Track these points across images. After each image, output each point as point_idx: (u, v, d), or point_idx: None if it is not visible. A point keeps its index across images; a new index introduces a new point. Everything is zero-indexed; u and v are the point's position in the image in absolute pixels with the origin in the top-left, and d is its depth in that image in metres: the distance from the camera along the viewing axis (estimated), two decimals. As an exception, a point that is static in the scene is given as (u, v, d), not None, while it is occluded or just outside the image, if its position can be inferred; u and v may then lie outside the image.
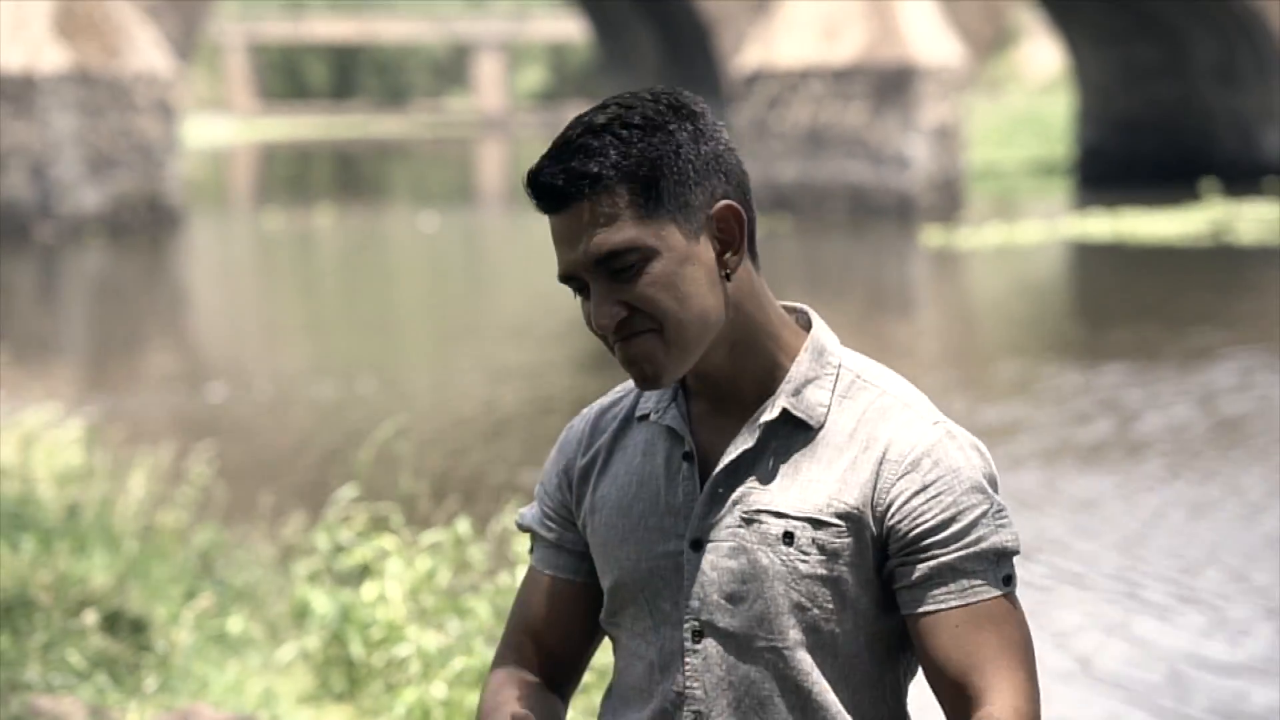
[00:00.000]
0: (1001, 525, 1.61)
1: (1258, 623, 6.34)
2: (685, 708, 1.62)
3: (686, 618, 1.62)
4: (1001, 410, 10.28)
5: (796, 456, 1.61)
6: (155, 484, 6.73)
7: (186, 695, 4.11)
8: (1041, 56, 38.24)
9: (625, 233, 1.55)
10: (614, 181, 1.55)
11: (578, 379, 11.49)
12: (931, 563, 1.58)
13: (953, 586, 1.58)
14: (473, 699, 4.31)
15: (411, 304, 17.01)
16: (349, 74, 53.83)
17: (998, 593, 1.59)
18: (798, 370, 1.63)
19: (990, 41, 25.45)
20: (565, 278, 1.60)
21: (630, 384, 1.72)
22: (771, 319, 1.63)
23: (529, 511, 1.77)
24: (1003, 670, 1.57)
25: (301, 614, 4.96)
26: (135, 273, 19.07)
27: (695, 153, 1.58)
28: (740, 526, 1.60)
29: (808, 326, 1.67)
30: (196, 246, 21.59)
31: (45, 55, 20.20)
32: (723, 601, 1.61)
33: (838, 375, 1.64)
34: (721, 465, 1.62)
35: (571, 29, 42.70)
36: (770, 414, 1.61)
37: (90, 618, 4.23)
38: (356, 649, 4.67)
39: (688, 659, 1.62)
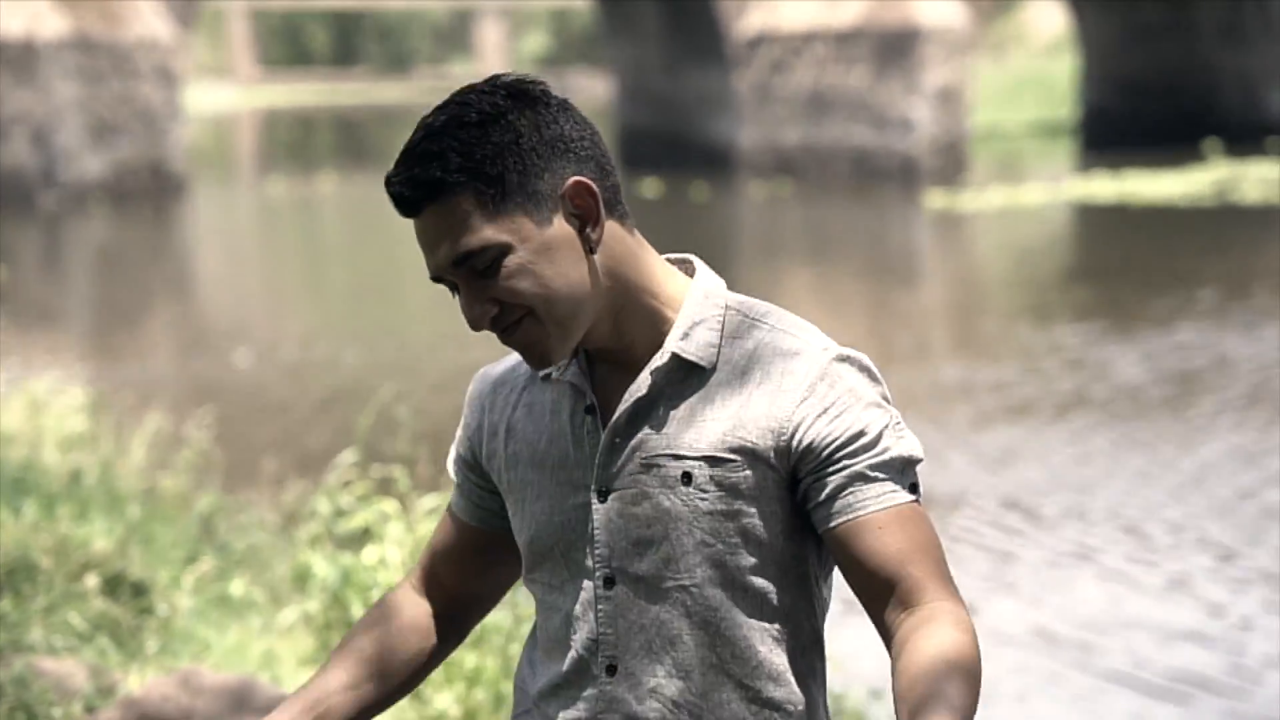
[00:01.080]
0: (902, 436, 1.65)
1: (1199, 584, 6.37)
2: (600, 654, 1.67)
3: (597, 566, 1.66)
4: (982, 370, 10.35)
5: (690, 398, 1.65)
6: (157, 450, 6.77)
7: (188, 658, 4.15)
8: (1045, 17, 38.05)
9: (477, 234, 1.59)
10: (457, 185, 1.58)
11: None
12: (845, 473, 1.62)
13: (869, 492, 1.62)
14: (471, 660, 4.35)
15: (412, 269, 17.02)
16: (351, 41, 53.65)
17: (911, 498, 1.63)
18: (684, 315, 1.66)
19: (994, 3, 25.35)
20: (435, 278, 1.64)
21: None
22: (652, 276, 1.67)
23: (450, 462, 1.83)
24: (930, 567, 1.61)
25: (303, 578, 4.99)
26: (139, 240, 19.09)
27: (537, 139, 1.60)
28: (641, 473, 1.64)
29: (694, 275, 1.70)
30: (200, 214, 21.59)
31: (46, 22, 20.15)
32: (630, 547, 1.65)
33: (724, 316, 1.67)
34: (617, 414, 1.65)
35: (574, -7, 42.50)
36: (659, 359, 1.65)
37: (91, 581, 4.27)
38: (357, 612, 4.71)
39: (600, 607, 1.66)
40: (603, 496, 1.66)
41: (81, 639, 4.06)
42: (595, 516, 1.66)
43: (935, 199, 19.91)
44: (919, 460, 1.66)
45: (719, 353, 1.66)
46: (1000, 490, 7.60)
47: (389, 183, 1.61)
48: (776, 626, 1.66)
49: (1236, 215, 17.85)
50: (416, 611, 1.82)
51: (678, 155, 23.87)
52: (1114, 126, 26.91)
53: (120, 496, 5.63)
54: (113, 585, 4.35)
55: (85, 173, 20.36)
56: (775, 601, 1.66)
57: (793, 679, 1.67)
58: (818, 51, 23.19)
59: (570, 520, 1.67)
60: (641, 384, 1.65)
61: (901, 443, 1.64)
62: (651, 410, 1.65)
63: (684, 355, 1.65)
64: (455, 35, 54.21)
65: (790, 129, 23.29)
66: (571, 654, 1.68)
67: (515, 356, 1.77)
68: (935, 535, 1.65)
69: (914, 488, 1.65)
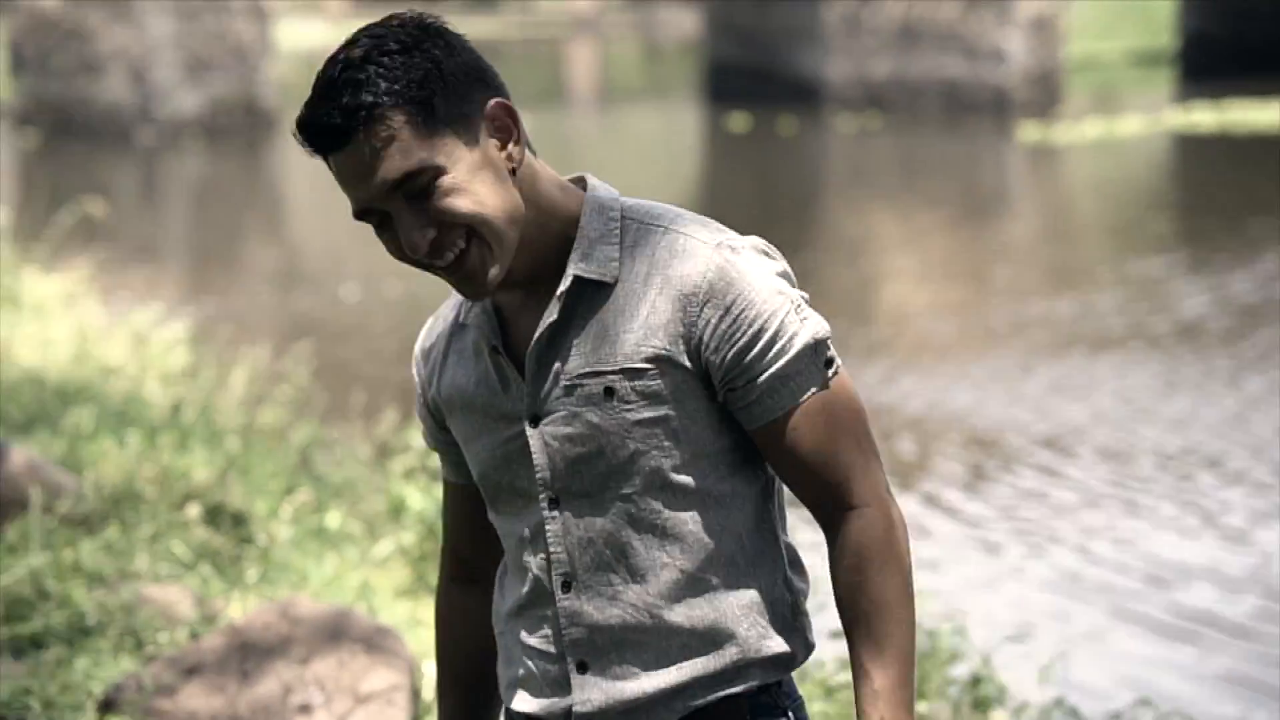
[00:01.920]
0: (805, 318, 1.69)
1: (1236, 524, 6.26)
2: (553, 573, 1.73)
3: (540, 490, 1.72)
4: (1046, 303, 10.25)
5: (601, 315, 1.69)
6: (256, 383, 6.89)
7: (286, 587, 4.25)
8: (1146, -56, 37.02)
9: (412, 156, 1.61)
10: (389, 108, 1.61)
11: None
12: (757, 379, 1.67)
13: (782, 393, 1.67)
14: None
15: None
16: (440, -27, 53.55)
17: (821, 381, 1.68)
18: (583, 234, 1.70)
19: (1092, -70, 24.77)
20: (362, 213, 1.65)
21: (455, 295, 1.81)
22: (554, 198, 1.71)
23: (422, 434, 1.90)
24: (846, 455, 1.69)
25: (398, 510, 5.08)
26: (233, 176, 19.31)
27: (454, 65, 1.64)
28: (566, 395, 1.69)
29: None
30: (292, 150, 21.78)
31: (141, -40, 20.36)
32: (569, 468, 1.71)
33: (622, 226, 1.71)
34: (534, 342, 1.70)
35: (662, -76, 42.03)
36: (564, 284, 1.69)
37: (193, 511, 4.38)
38: (451, 543, 4.78)
39: (548, 527, 1.72)
40: (535, 423, 1.71)
41: (185, 567, 4.17)
42: (531, 444, 1.71)
43: (1028, 132, 19.60)
44: (825, 338, 1.69)
45: (620, 265, 1.69)
46: (1040, 427, 7.55)
47: (311, 118, 1.62)
48: (721, 516, 1.71)
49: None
50: (469, 611, 1.89)
51: (765, 89, 23.67)
52: (1216, 54, 26.26)
53: (219, 429, 5.75)
54: (213, 515, 4.46)
55: (180, 109, 20.61)
56: (716, 493, 1.71)
57: (744, 563, 1.73)
58: (910, -19, 22.82)
59: (510, 452, 1.73)
60: (552, 310, 1.69)
61: (805, 326, 1.68)
62: (566, 333, 1.69)
63: (586, 276, 1.69)
64: (543, -32, 53.88)
65: (880, 61, 22.99)
66: (530, 576, 1.75)
67: (441, 310, 1.83)
68: (852, 409, 1.70)
69: (828, 363, 1.69)
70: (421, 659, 3.83)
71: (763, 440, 1.70)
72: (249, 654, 3.62)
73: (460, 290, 1.68)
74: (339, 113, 1.60)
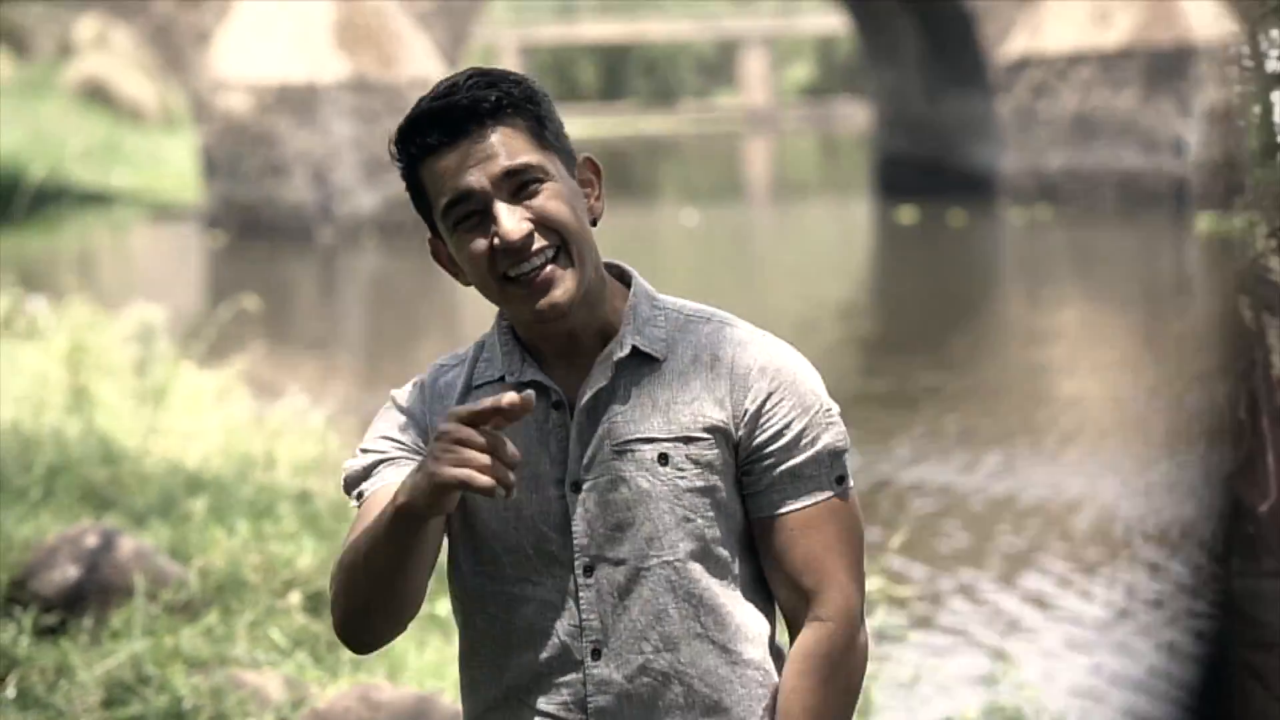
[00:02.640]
0: (831, 423, 1.74)
1: None
2: (584, 639, 1.72)
3: (576, 555, 1.72)
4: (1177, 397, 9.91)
5: (648, 387, 1.74)
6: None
7: (382, 674, 4.29)
8: (1339, 30, 36.01)
9: (528, 154, 1.72)
10: (512, 109, 1.72)
11: (843, 365, 11.48)
12: (774, 470, 1.72)
13: (790, 490, 1.72)
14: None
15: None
16: (618, 74, 54.65)
17: (830, 494, 1.72)
18: (634, 313, 1.77)
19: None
20: (455, 202, 1.71)
21: (457, 355, 1.82)
22: (605, 274, 1.79)
23: (360, 461, 1.79)
24: (830, 569, 1.71)
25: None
26: (408, 272, 19.85)
27: (555, 111, 1.77)
28: (614, 459, 1.72)
29: (620, 278, 1.81)
30: (465, 246, 22.32)
31: (327, 66, 21.20)
32: (610, 533, 1.72)
33: (666, 315, 1.79)
34: (579, 406, 1.73)
35: (837, 22, 42.34)
36: (621, 352, 1.74)
37: (294, 598, 4.46)
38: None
39: (582, 594, 1.72)
40: (575, 488, 1.73)
41: (282, 653, 4.24)
42: (571, 509, 1.72)
43: (1207, 223, 19.09)
44: (844, 450, 1.74)
45: (668, 347, 1.76)
46: (1153, 520, 7.30)
47: (437, 108, 1.70)
48: (743, 590, 1.75)
49: None
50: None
51: (937, 182, 23.52)
52: None
53: (345, 518, 5.86)
54: (314, 602, 4.54)
55: (359, 208, 21.30)
56: (738, 568, 1.75)
57: (763, 637, 1.75)
58: (1084, 74, 22.54)
59: (541, 514, 1.73)
60: (600, 376, 1.74)
61: (829, 431, 1.74)
62: (611, 400, 1.74)
63: (642, 348, 1.75)
64: (720, 67, 54.65)
65: (1054, 153, 22.68)
66: (552, 642, 1.73)
67: (436, 368, 1.82)
68: (850, 529, 1.73)
69: (840, 480, 1.73)
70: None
71: (761, 531, 1.73)
72: (330, 741, 3.65)
73: (531, 310, 1.71)
74: (469, 99, 1.71)
